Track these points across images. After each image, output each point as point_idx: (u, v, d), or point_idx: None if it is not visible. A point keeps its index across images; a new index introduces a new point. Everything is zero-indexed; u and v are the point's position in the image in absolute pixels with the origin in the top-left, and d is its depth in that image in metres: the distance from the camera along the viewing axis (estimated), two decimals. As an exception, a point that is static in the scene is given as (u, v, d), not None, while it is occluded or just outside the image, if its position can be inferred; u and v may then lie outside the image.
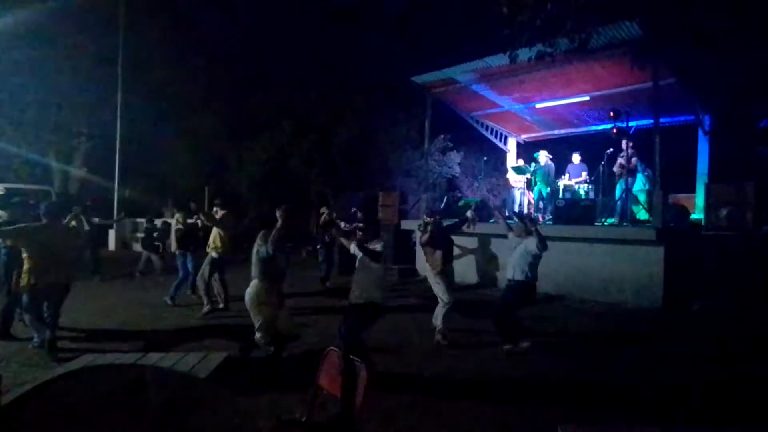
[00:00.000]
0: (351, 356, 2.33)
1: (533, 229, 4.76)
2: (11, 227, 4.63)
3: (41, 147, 16.95)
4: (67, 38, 15.02)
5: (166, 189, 20.24)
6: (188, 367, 2.54)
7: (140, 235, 16.68)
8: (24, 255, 4.47)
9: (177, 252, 7.34)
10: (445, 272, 5.45)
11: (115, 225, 15.85)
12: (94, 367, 0.81)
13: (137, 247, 16.29)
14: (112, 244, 15.90)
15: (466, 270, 9.13)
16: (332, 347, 2.48)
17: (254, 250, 4.51)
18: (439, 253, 5.44)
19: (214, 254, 6.56)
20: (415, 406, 3.56)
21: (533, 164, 10.81)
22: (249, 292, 4.46)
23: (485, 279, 9.03)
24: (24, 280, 4.48)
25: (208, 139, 19.06)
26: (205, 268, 6.55)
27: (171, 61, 17.38)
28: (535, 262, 4.78)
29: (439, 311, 5.28)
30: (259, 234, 4.55)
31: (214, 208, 7.08)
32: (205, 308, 6.39)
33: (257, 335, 4.37)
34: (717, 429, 2.00)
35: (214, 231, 6.66)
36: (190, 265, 7.14)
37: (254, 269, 4.50)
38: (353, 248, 4.17)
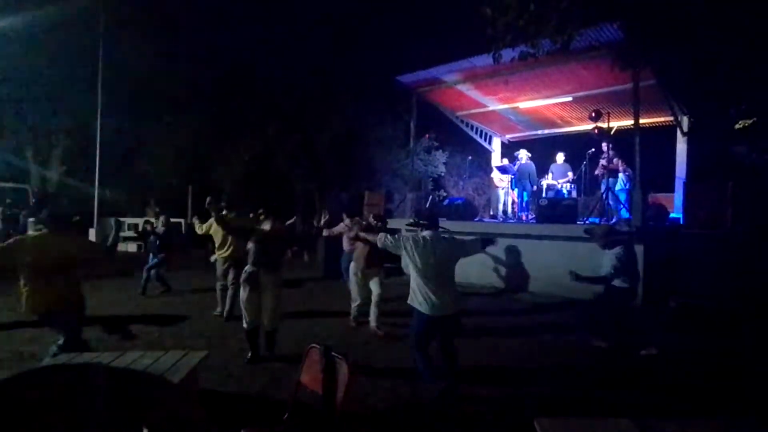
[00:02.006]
0: (332, 353, 2.33)
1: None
2: (5, 243, 3.75)
3: (18, 145, 16.56)
4: (46, 36, 14.68)
5: (147, 188, 19.97)
6: (167, 366, 2.51)
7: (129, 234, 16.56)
8: (20, 275, 3.63)
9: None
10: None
11: (96, 225, 15.59)
12: (43, 367, 0.79)
13: (120, 246, 16.05)
14: (92, 244, 15.58)
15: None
16: (313, 344, 2.48)
17: None
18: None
19: (212, 260, 6.61)
20: (397, 403, 3.58)
21: (516, 163, 10.92)
22: None
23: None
24: (24, 304, 3.66)
25: (191, 137, 18.82)
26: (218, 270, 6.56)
27: (153, 60, 17.10)
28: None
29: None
30: None
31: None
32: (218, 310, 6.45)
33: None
34: (686, 420, 2.05)
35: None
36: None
37: None
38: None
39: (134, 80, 16.74)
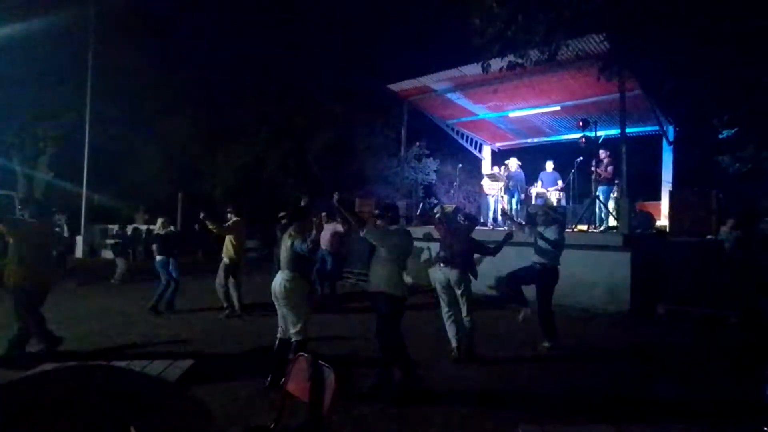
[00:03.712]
0: (319, 361, 2.33)
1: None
2: (14, 216, 5.09)
3: (4, 150, 16.35)
4: (35, 41, 14.56)
5: (136, 195, 19.79)
6: (155, 374, 2.49)
7: (110, 241, 16.29)
8: (15, 251, 4.46)
9: (158, 258, 7.01)
10: None
11: (82, 231, 15.42)
12: (43, 372, 0.78)
13: (106, 253, 15.87)
14: (79, 251, 15.39)
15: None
16: (301, 353, 2.47)
17: (288, 242, 3.96)
18: None
19: (226, 260, 6.61)
20: (385, 411, 3.57)
21: (504, 171, 10.99)
22: (287, 285, 3.87)
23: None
24: (15, 277, 4.43)
25: (181, 144, 18.72)
26: (220, 273, 6.63)
27: (143, 66, 17.02)
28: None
29: None
30: (290, 227, 4.09)
31: (228, 215, 6.92)
32: (225, 312, 6.58)
33: (299, 335, 3.86)
34: (667, 425, 2.08)
35: (227, 237, 6.65)
36: (174, 272, 6.97)
37: (289, 262, 3.95)
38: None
39: (123, 86, 16.65)
